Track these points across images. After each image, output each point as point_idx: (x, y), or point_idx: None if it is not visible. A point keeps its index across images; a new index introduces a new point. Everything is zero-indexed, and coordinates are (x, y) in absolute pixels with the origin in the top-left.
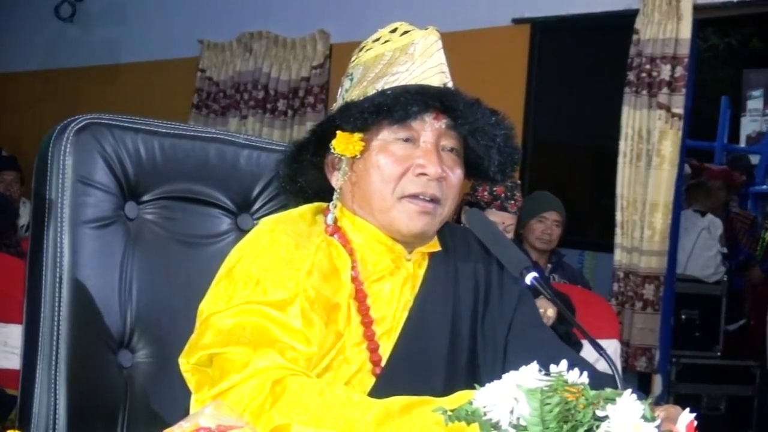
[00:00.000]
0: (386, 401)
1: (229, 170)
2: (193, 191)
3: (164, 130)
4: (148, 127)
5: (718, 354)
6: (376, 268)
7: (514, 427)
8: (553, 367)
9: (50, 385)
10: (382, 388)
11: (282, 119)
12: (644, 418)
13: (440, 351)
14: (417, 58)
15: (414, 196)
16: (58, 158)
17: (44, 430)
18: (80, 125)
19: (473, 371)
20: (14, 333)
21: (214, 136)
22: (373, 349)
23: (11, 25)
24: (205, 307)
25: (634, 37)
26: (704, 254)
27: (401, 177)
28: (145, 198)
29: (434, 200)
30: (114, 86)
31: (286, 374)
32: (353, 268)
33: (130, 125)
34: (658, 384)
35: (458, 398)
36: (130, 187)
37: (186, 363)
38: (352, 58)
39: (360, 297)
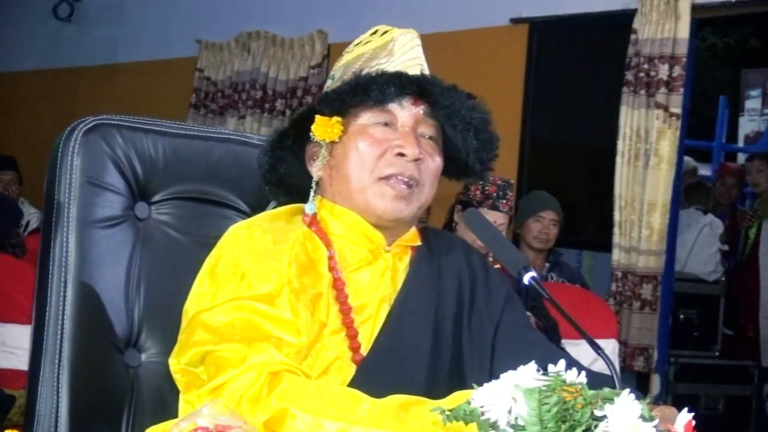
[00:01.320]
0: (384, 399)
1: (242, 171)
2: (205, 192)
3: (175, 131)
4: (158, 128)
5: (717, 354)
6: (354, 258)
7: (512, 426)
8: (551, 367)
9: (53, 384)
10: (363, 378)
11: (280, 119)
12: (642, 417)
13: (422, 346)
14: (396, 52)
15: (391, 177)
16: (67, 159)
17: (47, 428)
18: (89, 126)
19: (458, 370)
20: (13, 333)
21: (228, 136)
22: (352, 336)
23: (9, 24)
24: (190, 306)
25: (632, 36)
26: (705, 251)
27: (379, 158)
28: (156, 198)
29: (411, 182)
30: (112, 86)
31: (283, 369)
32: (331, 258)
33: (140, 126)
34: (656, 384)
35: (456, 398)
36: (140, 187)
37: (176, 363)
38: (335, 63)
39: (338, 286)
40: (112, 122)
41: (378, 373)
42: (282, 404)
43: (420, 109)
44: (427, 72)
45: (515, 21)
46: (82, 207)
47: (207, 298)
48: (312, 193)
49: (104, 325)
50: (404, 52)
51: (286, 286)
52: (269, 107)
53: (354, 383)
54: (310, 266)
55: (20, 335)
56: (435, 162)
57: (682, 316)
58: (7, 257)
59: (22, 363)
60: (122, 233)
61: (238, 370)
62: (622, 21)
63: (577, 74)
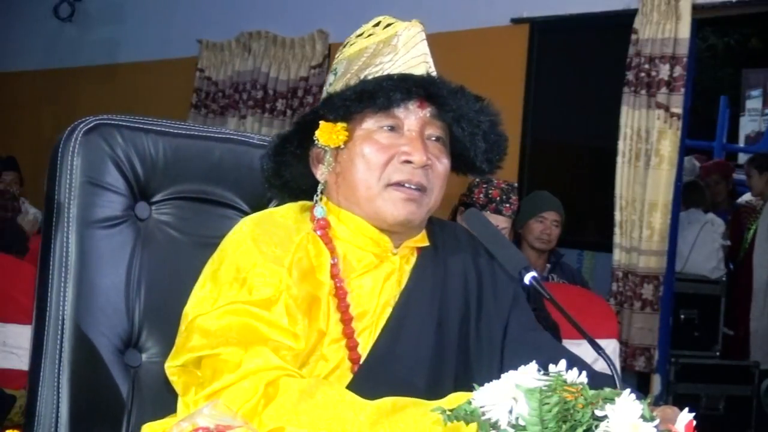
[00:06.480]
0: (379, 401)
1: (243, 171)
2: (206, 192)
3: (175, 131)
4: (158, 128)
5: (717, 354)
6: (359, 264)
7: (513, 426)
8: (552, 367)
9: (53, 384)
10: (359, 385)
11: (281, 119)
12: (643, 417)
13: (424, 351)
14: (400, 49)
15: (399, 184)
16: (67, 159)
17: (48, 428)
18: (89, 126)
19: (465, 375)
20: (13, 332)
21: (228, 136)
22: (352, 347)
23: (10, 24)
24: (189, 309)
25: (633, 36)
26: (707, 247)
27: (386, 165)
28: (157, 198)
29: (420, 188)
30: (113, 86)
31: (280, 375)
32: (334, 266)
33: (140, 126)
34: (657, 384)
35: (456, 398)
36: (140, 187)
37: (172, 366)
38: (337, 55)
39: (340, 294)
40: (113, 122)
41: (374, 379)
42: (276, 422)
43: (427, 112)
44: (432, 69)
45: (516, 21)
46: (83, 207)
47: (207, 303)
48: (318, 197)
49: (105, 325)
50: (409, 49)
51: (285, 292)
52: (270, 107)
53: (350, 389)
54: (311, 272)
55: (21, 335)
56: (443, 164)
57: (682, 316)
58: (7, 257)
59: (22, 363)
60: (123, 233)
61: (234, 375)
62: (623, 21)
63: (577, 74)
